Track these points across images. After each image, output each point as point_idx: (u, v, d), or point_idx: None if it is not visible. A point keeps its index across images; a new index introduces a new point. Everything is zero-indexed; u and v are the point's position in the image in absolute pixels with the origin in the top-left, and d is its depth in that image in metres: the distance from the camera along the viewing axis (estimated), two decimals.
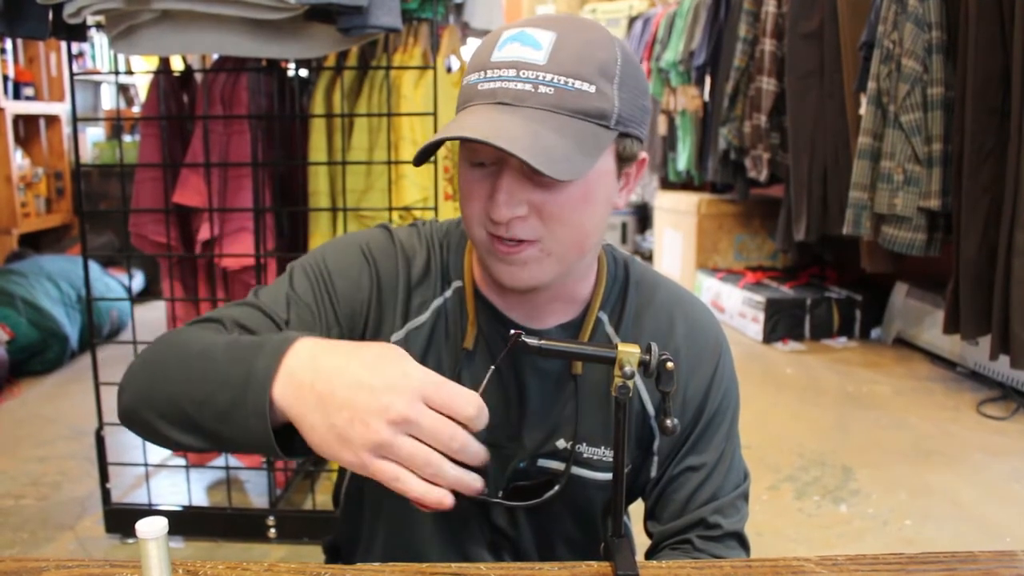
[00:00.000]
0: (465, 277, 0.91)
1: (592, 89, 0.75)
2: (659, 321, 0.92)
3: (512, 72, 0.74)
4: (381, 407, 0.60)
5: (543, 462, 0.90)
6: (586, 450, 0.90)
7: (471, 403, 0.63)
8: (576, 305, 0.91)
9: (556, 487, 0.87)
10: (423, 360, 0.89)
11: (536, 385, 0.89)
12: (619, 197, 0.85)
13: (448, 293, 0.91)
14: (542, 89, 0.74)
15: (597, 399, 0.89)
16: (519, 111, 0.74)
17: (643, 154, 0.84)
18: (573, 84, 0.74)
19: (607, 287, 0.92)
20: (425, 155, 0.76)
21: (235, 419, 0.66)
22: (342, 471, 1.06)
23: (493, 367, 0.76)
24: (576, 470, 0.90)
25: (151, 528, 0.61)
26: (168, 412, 0.71)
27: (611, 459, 0.90)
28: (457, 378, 0.89)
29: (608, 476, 0.90)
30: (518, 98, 0.74)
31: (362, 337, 0.90)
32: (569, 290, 0.89)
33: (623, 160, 0.82)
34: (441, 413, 0.62)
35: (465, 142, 0.76)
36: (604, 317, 0.91)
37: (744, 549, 0.93)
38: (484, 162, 0.78)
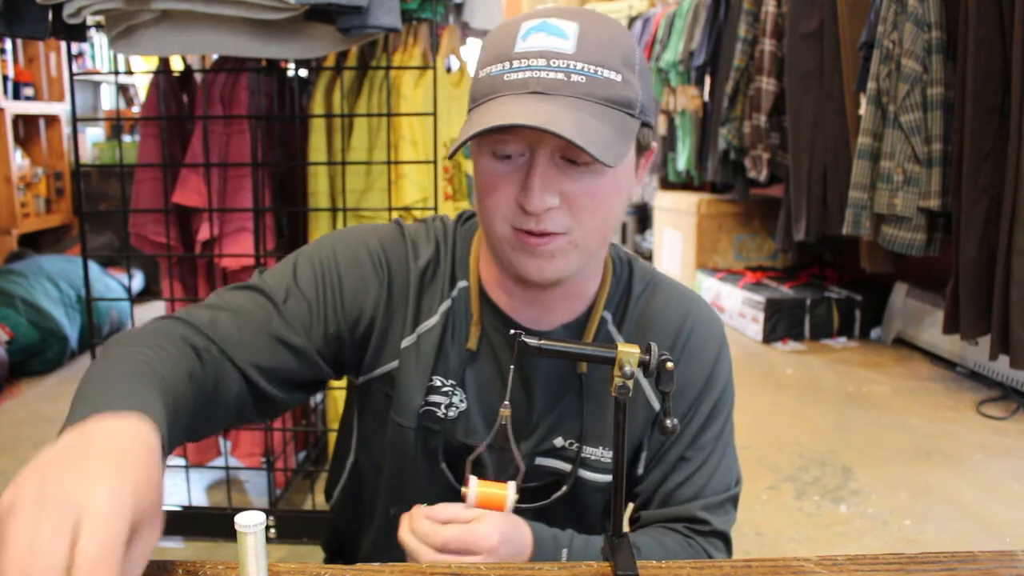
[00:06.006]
0: (471, 277, 0.90)
1: (619, 78, 0.75)
2: (664, 318, 0.91)
3: (542, 61, 0.73)
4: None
5: (540, 460, 0.90)
6: (585, 449, 0.89)
7: None
8: (581, 303, 0.90)
9: (564, 488, 0.87)
10: (434, 364, 0.89)
11: (542, 385, 0.89)
12: (633, 185, 0.85)
13: (455, 294, 0.90)
14: (574, 78, 0.73)
15: (598, 399, 0.89)
16: (554, 99, 0.73)
17: (654, 144, 0.84)
18: (602, 73, 0.74)
19: (612, 286, 0.91)
20: (460, 146, 0.74)
21: None
22: (334, 468, 1.06)
23: (512, 367, 0.77)
24: (579, 471, 0.89)
25: (250, 521, 0.62)
26: None
27: (609, 460, 0.89)
28: (461, 379, 0.89)
29: (607, 478, 0.89)
30: (551, 87, 0.73)
31: (366, 339, 0.89)
32: (577, 288, 0.88)
33: (640, 149, 0.82)
34: None
35: (514, 129, 0.72)
36: (608, 316, 0.91)
37: (728, 551, 0.92)
38: (511, 154, 0.77)
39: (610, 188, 0.78)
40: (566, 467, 0.89)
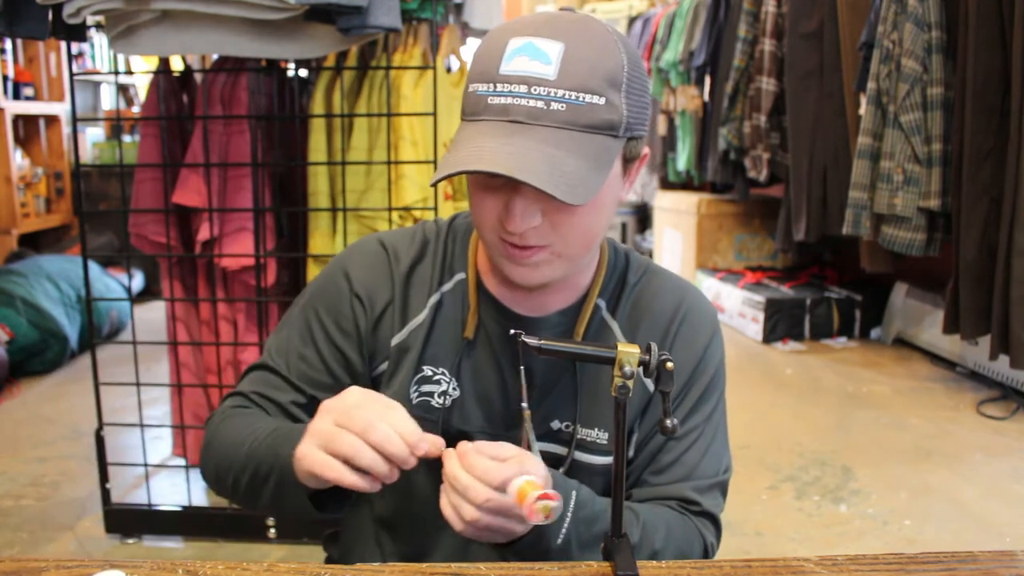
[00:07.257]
0: (469, 269, 0.94)
1: (602, 102, 0.76)
2: (658, 304, 0.94)
3: (523, 88, 0.75)
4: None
5: (539, 444, 0.92)
6: (580, 431, 0.92)
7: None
8: (576, 292, 0.93)
9: (560, 469, 0.89)
10: (423, 354, 0.93)
11: (539, 371, 0.92)
12: (623, 191, 0.87)
13: (448, 286, 0.94)
14: (554, 106, 0.75)
15: (592, 381, 0.91)
16: (533, 132, 0.75)
17: (645, 149, 0.86)
18: (584, 99, 0.75)
19: (607, 275, 0.94)
20: (440, 180, 0.77)
21: (281, 494, 0.83)
22: None
23: (522, 367, 0.81)
24: (576, 453, 0.92)
25: None
26: (237, 493, 0.89)
27: (605, 442, 0.92)
28: (453, 367, 0.93)
29: (605, 460, 0.92)
30: (531, 116, 0.75)
31: (369, 354, 0.95)
32: (571, 281, 0.92)
33: (628, 160, 0.84)
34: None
35: (485, 174, 0.76)
36: (602, 304, 0.94)
37: (718, 534, 0.94)
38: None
39: (591, 206, 0.80)
40: (563, 450, 0.92)
